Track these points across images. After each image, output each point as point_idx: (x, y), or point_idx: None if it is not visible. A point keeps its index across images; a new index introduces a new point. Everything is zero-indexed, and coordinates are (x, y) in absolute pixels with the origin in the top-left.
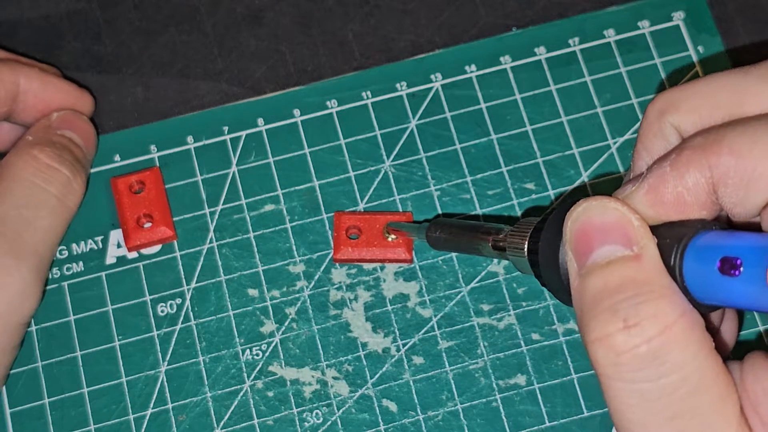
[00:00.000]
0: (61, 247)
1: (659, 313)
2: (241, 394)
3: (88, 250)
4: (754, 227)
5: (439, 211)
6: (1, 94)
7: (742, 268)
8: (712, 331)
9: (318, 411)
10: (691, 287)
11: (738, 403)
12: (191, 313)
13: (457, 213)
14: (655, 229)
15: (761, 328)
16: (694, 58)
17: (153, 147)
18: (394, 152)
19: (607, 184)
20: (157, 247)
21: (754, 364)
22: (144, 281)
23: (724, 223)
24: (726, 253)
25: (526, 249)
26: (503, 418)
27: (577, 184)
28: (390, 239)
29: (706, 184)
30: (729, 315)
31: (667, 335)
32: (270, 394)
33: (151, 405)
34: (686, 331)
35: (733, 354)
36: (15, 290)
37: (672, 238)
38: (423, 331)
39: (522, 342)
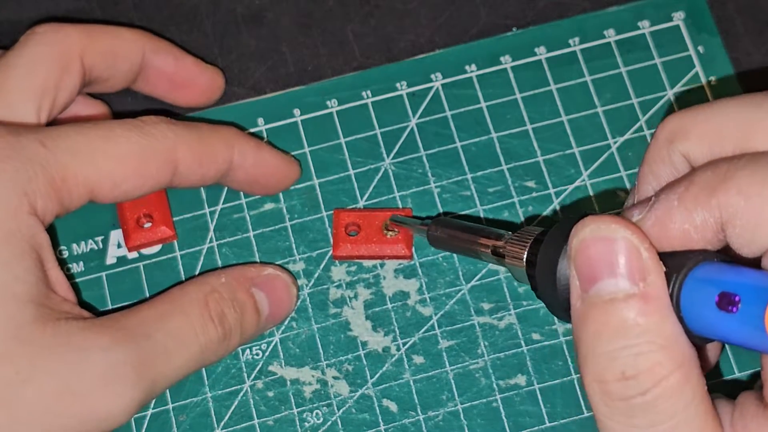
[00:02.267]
0: (61, 247)
1: (657, 366)
2: (242, 394)
3: (88, 250)
4: (757, 261)
5: (440, 208)
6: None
7: (740, 305)
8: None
9: (318, 411)
10: (688, 319)
11: None
12: None
13: (457, 210)
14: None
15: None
16: (694, 58)
17: None
18: (394, 150)
19: (607, 184)
20: (157, 247)
21: (744, 410)
22: (144, 281)
23: (728, 253)
24: (725, 288)
25: (524, 259)
26: (503, 418)
27: (577, 183)
28: (389, 236)
29: (714, 224)
30: None
31: (662, 387)
32: (270, 394)
33: (152, 405)
34: (681, 383)
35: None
36: (120, 404)
37: (672, 267)
38: (423, 330)
39: (522, 342)
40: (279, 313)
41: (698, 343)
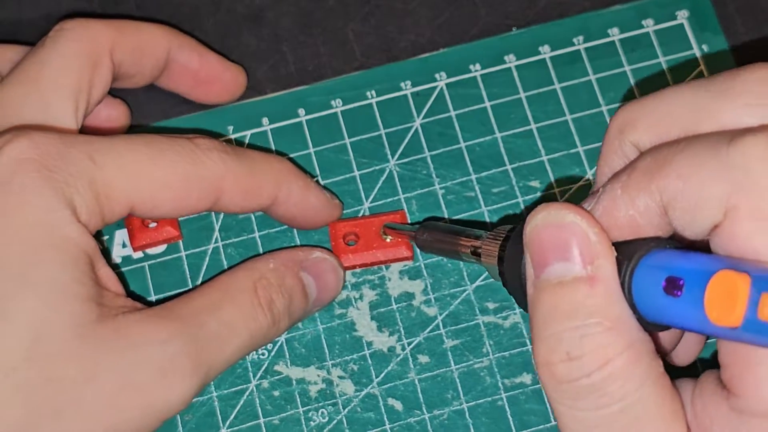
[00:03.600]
0: None
1: (603, 346)
2: (247, 393)
3: None
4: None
5: (444, 210)
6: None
7: (684, 289)
8: (663, 352)
9: (324, 410)
10: (639, 305)
11: (685, 429)
12: None
13: (461, 212)
14: None
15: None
16: (698, 57)
17: None
18: (399, 151)
19: None
20: (162, 247)
21: (703, 389)
22: (149, 281)
23: (681, 240)
24: (672, 273)
25: (497, 257)
26: (509, 417)
27: (581, 182)
28: (388, 240)
29: (657, 208)
30: None
31: (608, 369)
32: (276, 393)
33: None
34: (629, 365)
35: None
36: (178, 394)
37: (624, 254)
38: (428, 330)
39: (527, 340)
40: (326, 296)
41: (652, 330)
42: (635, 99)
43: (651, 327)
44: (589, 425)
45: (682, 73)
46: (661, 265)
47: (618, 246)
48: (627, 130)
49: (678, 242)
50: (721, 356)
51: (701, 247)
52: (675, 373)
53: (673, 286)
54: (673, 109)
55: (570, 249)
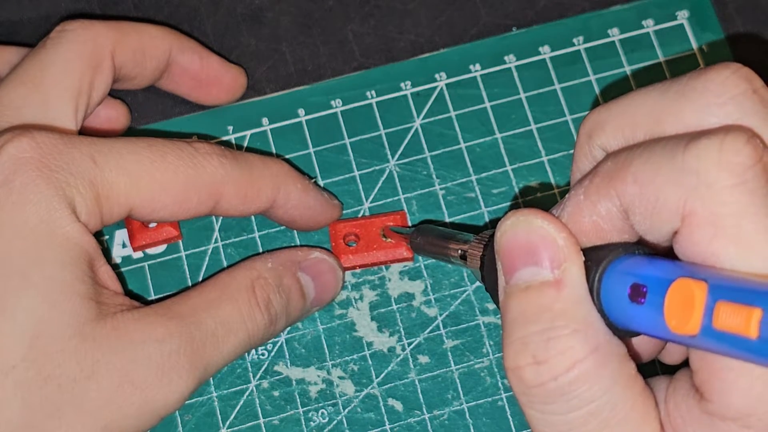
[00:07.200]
0: None
1: (569, 349)
2: (247, 393)
3: None
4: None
5: (444, 211)
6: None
7: (647, 297)
8: (651, 352)
9: (324, 410)
10: (608, 312)
11: (657, 431)
12: None
13: (461, 213)
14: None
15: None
16: (699, 57)
17: None
18: (399, 151)
19: None
20: (162, 247)
21: (677, 389)
22: (149, 281)
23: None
24: (636, 280)
25: (479, 261)
26: (509, 417)
27: None
28: (388, 240)
29: (618, 212)
30: None
31: (574, 372)
32: (276, 393)
33: None
34: (597, 367)
35: None
36: (175, 392)
37: (593, 260)
38: (428, 330)
39: None
40: (324, 297)
41: (623, 335)
42: (605, 102)
43: (621, 333)
44: (560, 429)
45: (682, 73)
46: (628, 271)
47: (587, 252)
48: (595, 134)
49: (647, 247)
50: (691, 361)
51: (672, 252)
52: (673, 371)
53: (637, 293)
54: (636, 111)
55: (538, 253)
